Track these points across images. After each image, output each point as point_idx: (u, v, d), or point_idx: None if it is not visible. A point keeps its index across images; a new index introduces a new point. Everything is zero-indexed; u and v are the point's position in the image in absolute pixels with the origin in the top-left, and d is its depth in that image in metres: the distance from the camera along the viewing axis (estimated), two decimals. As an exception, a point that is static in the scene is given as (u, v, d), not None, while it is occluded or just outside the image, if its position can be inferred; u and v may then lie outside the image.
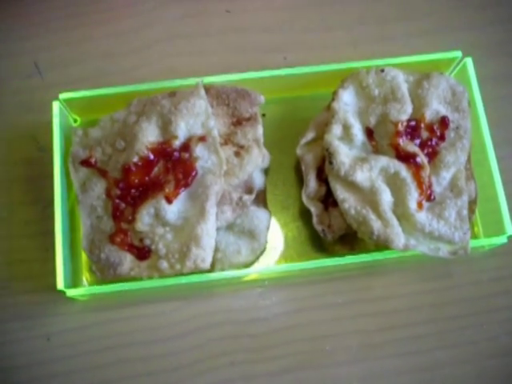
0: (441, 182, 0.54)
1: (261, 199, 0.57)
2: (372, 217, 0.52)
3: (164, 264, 0.51)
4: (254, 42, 0.64)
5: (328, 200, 0.56)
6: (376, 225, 0.51)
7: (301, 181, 0.57)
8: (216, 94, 0.56)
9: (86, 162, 0.55)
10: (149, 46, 0.64)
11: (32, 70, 0.63)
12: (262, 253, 0.56)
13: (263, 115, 0.59)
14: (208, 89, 0.55)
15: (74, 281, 0.55)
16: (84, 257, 0.57)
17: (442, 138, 0.55)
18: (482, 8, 0.66)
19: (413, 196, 0.53)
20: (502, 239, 0.54)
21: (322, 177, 0.56)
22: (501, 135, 0.60)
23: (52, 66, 0.63)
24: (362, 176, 0.53)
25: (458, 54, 0.58)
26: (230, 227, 0.55)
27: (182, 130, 0.53)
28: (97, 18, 0.65)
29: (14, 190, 0.59)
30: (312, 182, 0.56)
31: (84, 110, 0.60)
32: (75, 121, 0.61)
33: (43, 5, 0.65)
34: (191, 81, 0.56)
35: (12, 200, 0.59)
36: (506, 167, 0.58)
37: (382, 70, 0.56)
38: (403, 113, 0.55)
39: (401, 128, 0.54)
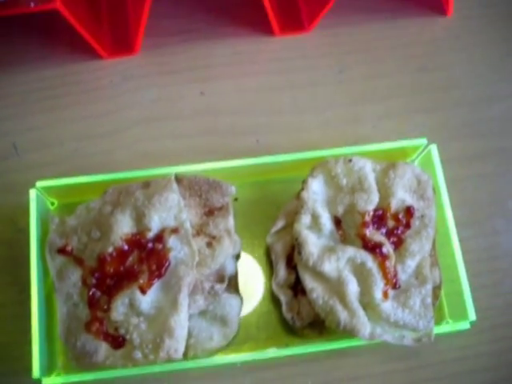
0: (406, 270, 0.56)
1: (232, 284, 0.59)
2: (339, 307, 0.54)
3: (138, 354, 0.52)
4: (227, 125, 0.65)
5: (297, 287, 0.58)
6: (342, 315, 0.53)
7: (272, 264, 0.59)
8: (189, 185, 0.57)
9: (62, 251, 0.57)
10: (124, 128, 0.65)
11: (10, 151, 0.65)
12: (234, 337, 0.58)
13: (235, 199, 0.62)
14: (181, 179, 0.57)
15: (50, 366, 0.57)
16: (60, 341, 0.58)
17: (407, 226, 0.57)
18: (445, 91, 0.68)
19: (378, 286, 0.55)
20: (464, 325, 0.56)
21: (291, 264, 0.58)
22: (464, 216, 0.63)
23: (30, 148, 0.65)
24: (329, 267, 0.55)
25: (423, 141, 0.61)
26: (202, 314, 0.56)
27: (156, 222, 0.55)
28: (74, 100, 0.66)
29: (-9, 271, 0.60)
30: (281, 271, 0.57)
31: (61, 195, 0.61)
32: (52, 204, 0.62)
33: (22, 87, 0.67)
34: (165, 170, 0.58)
35: (-11, 280, 0.60)
36: (468, 248, 0.60)
37: (350, 160, 0.58)
38: (370, 203, 0.57)
39: (367, 218, 0.56)
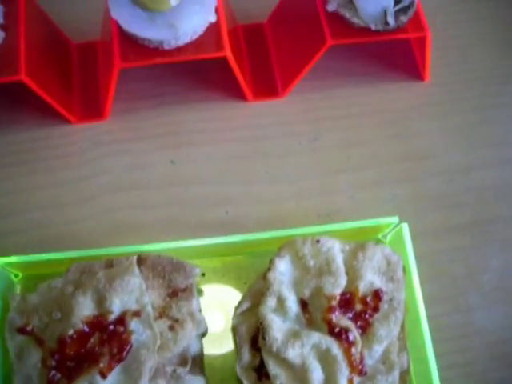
0: (373, 355, 0.55)
1: (197, 364, 0.57)
2: (302, 396, 0.52)
3: None
4: (196, 195, 0.64)
5: (262, 370, 0.56)
6: (306, 404, 0.52)
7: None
8: (152, 266, 0.56)
9: (22, 330, 0.56)
10: (92, 197, 0.64)
11: (-24, 218, 0.64)
12: (198, 420, 0.57)
13: (203, 275, 0.60)
14: (144, 259, 0.56)
15: None
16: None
17: (375, 309, 0.56)
18: (421, 160, 0.67)
19: (343, 374, 0.53)
20: (432, 411, 0.55)
21: (256, 346, 0.56)
22: (437, 291, 0.61)
23: (-2, 215, 0.64)
24: (293, 353, 0.53)
25: (395, 219, 0.59)
26: (165, 396, 0.55)
27: (117, 305, 0.54)
28: (43, 166, 0.65)
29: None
30: (245, 354, 0.56)
31: (25, 268, 0.60)
32: (16, 276, 0.61)
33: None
34: (129, 249, 0.57)
35: None
36: (441, 325, 0.59)
37: (318, 241, 0.56)
38: (337, 287, 0.55)
39: (334, 303, 0.55)
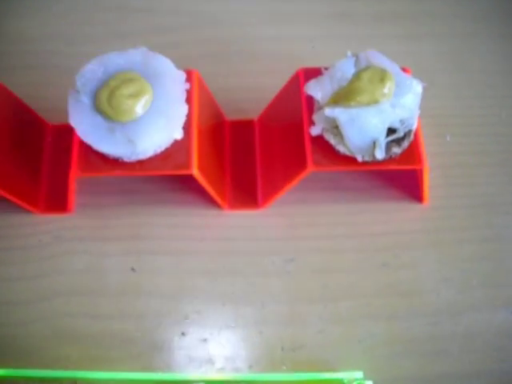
0: None
1: None
2: None
3: None
4: (153, 310, 0.59)
5: None
6: None
7: None
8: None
9: None
10: (43, 299, 0.59)
11: None
12: None
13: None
14: (76, 391, 0.52)
15: None
16: None
17: None
18: (407, 296, 0.60)
19: None
20: None
21: None
22: None
23: None
24: None
25: (359, 374, 0.54)
26: None
27: None
28: (-2, 257, 0.62)
29: None
30: None
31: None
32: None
33: None
34: (67, 374, 0.53)
35: None
36: None
37: None
38: None
39: None
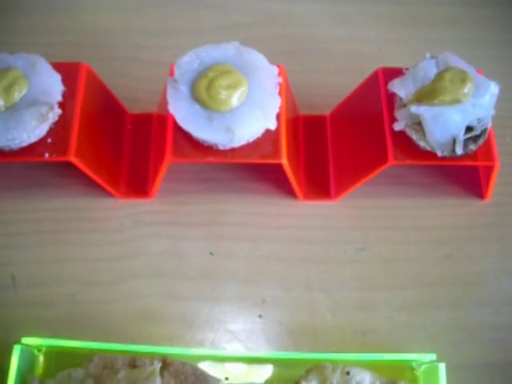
0: None
1: None
2: None
3: None
4: (230, 292, 0.62)
5: None
6: None
7: None
8: (175, 373, 0.54)
9: (36, 414, 0.55)
10: (125, 279, 0.63)
11: (8, 283, 0.63)
12: None
13: (226, 378, 0.58)
14: (169, 365, 0.54)
15: None
16: None
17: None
18: (470, 286, 0.63)
19: None
20: None
21: None
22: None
23: (28, 284, 0.63)
24: None
25: (432, 356, 0.57)
26: None
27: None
28: (80, 239, 0.64)
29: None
30: None
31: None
32: (39, 350, 0.60)
33: (30, 215, 0.65)
34: (153, 349, 0.55)
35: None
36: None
37: (348, 373, 0.54)
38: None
39: None
